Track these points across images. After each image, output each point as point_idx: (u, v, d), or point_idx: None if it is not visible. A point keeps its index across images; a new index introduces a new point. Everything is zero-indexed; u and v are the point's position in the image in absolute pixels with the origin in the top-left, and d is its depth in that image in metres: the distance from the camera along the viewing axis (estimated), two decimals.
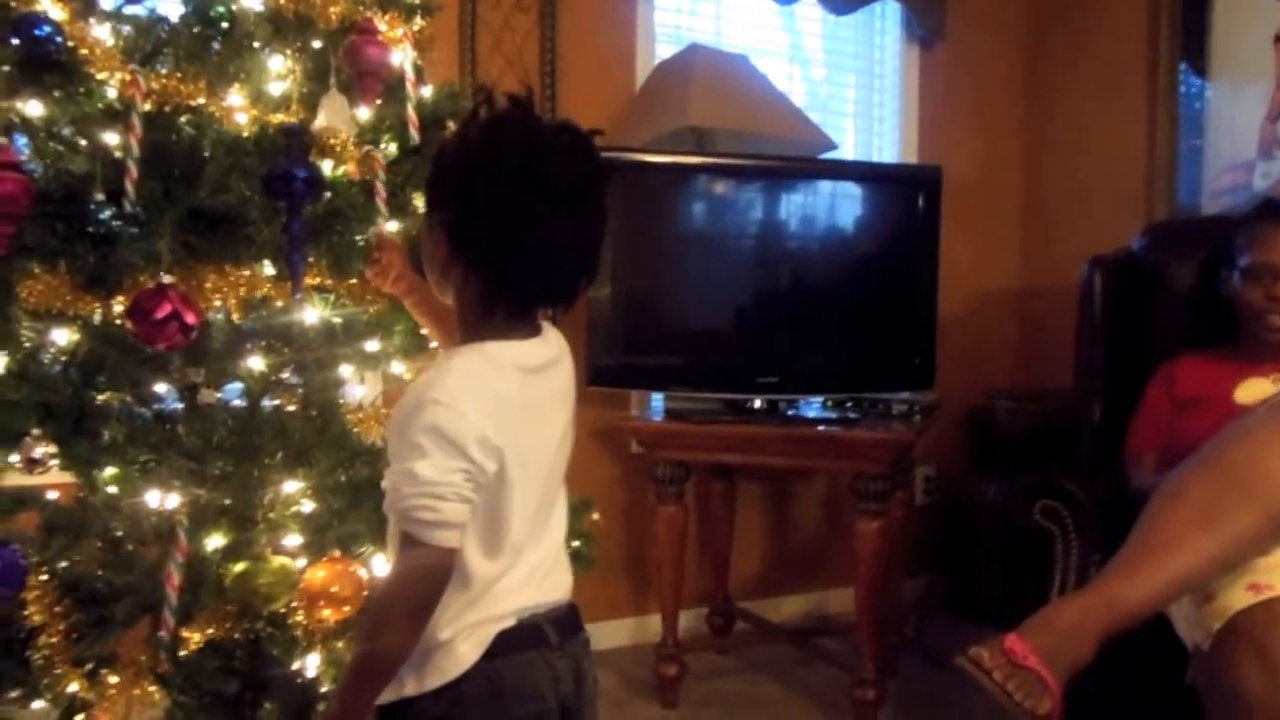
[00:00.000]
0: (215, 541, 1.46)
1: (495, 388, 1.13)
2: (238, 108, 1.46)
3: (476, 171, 1.13)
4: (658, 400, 2.94)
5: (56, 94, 1.37)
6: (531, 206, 1.11)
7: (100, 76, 1.37)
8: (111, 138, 1.39)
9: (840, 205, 2.85)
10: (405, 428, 1.08)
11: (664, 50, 3.06)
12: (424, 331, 1.57)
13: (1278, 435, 1.64)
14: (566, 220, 1.12)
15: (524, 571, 1.18)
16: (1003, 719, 1.49)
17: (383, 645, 1.09)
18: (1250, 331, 2.08)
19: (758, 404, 2.72)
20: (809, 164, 2.92)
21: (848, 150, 3.44)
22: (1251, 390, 1.99)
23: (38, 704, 1.41)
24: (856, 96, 3.55)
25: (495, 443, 1.10)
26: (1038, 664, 1.47)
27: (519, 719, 1.15)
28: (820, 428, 2.62)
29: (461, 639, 1.13)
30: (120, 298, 1.39)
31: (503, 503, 1.14)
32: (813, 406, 2.82)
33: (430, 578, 1.09)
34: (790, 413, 2.75)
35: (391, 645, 1.09)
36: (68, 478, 1.48)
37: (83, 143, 1.42)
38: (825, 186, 2.81)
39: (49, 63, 1.34)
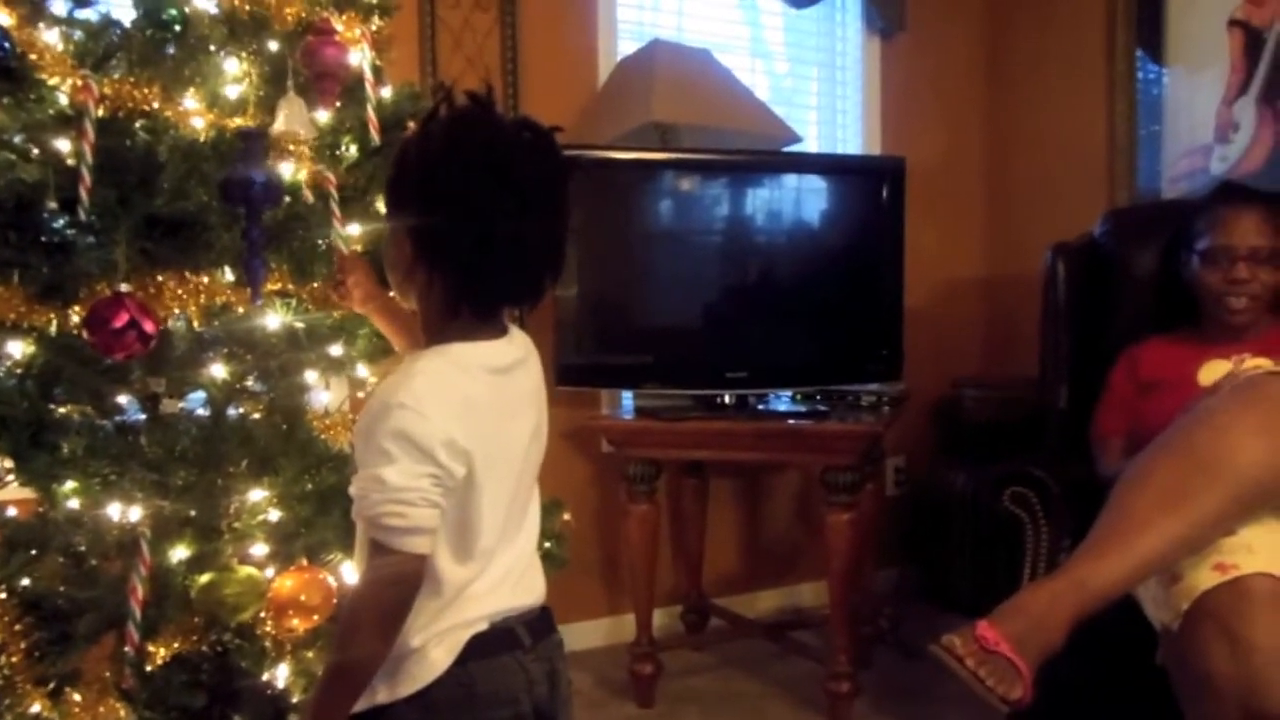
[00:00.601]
0: (180, 553, 1.44)
1: (462, 390, 1.12)
2: (193, 112, 1.44)
3: (438, 170, 1.11)
4: (627, 398, 2.93)
5: (6, 101, 1.34)
6: (495, 203, 1.09)
7: (51, 82, 1.35)
8: (64, 144, 1.37)
9: (805, 198, 2.85)
10: (371, 433, 1.07)
11: (626, 47, 3.05)
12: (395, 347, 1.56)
13: (1240, 417, 1.65)
14: (530, 217, 1.11)
15: (496, 575, 1.17)
16: (977, 706, 1.50)
17: (354, 654, 1.08)
18: (1210, 314, 2.10)
19: (727, 399, 2.72)
20: (773, 157, 2.92)
21: (811, 143, 3.45)
22: (1214, 372, 2.00)
23: None
24: (819, 89, 3.56)
25: (463, 446, 1.09)
26: (1009, 650, 1.48)
27: None
28: (790, 421, 2.62)
29: (433, 645, 1.12)
30: (77, 308, 1.37)
31: (472, 507, 1.13)
32: (782, 400, 2.82)
33: (400, 584, 1.08)
34: (760, 407, 2.75)
35: (363, 654, 1.08)
36: (27, 493, 1.45)
37: (35, 150, 1.39)
38: (790, 179, 2.81)
39: None
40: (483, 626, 1.15)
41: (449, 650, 1.12)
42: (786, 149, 2.98)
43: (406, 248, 1.15)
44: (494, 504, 1.14)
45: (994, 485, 2.16)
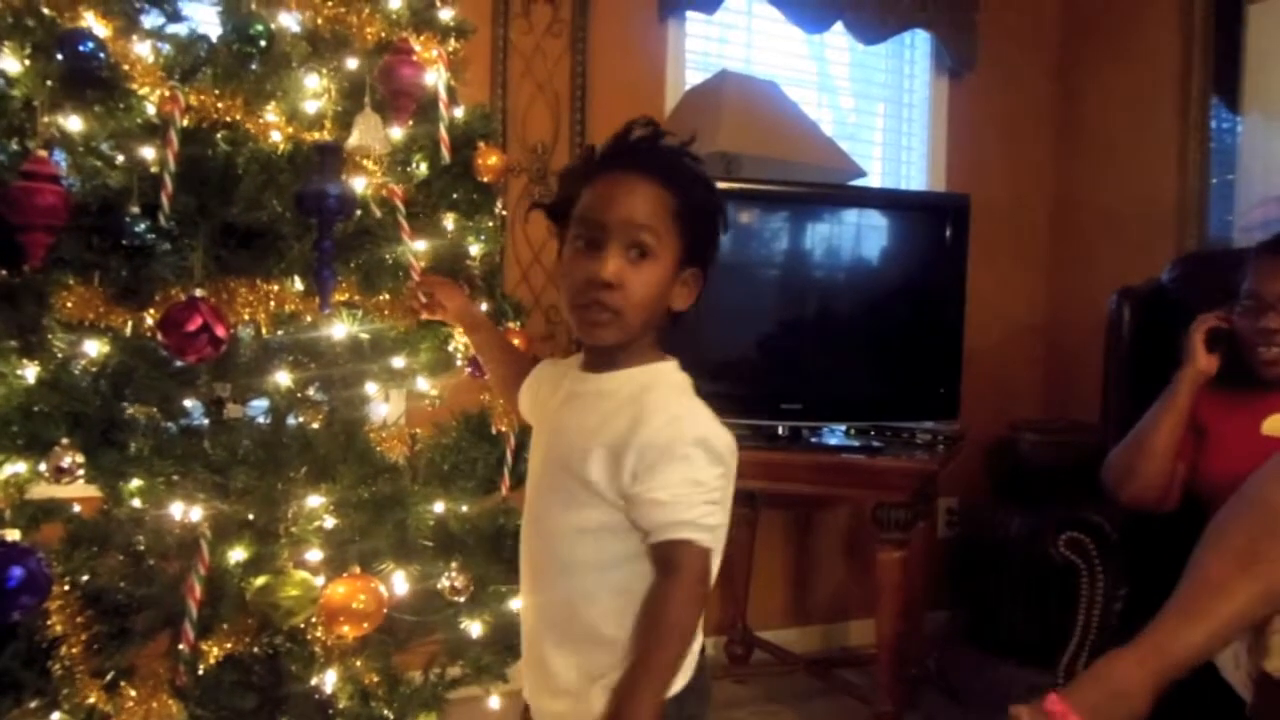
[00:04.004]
0: (237, 555, 1.47)
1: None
2: (273, 125, 1.47)
3: (723, 208, 1.24)
4: None
5: (97, 109, 1.39)
6: None
7: (140, 92, 1.39)
8: (149, 152, 1.41)
9: (868, 233, 2.85)
10: (672, 442, 1.13)
11: (693, 77, 3.07)
12: (458, 343, 1.61)
13: None
14: None
15: None
16: None
17: (680, 650, 1.13)
18: (1248, 364, 2.04)
19: (780, 431, 2.71)
20: (837, 190, 2.91)
21: (876, 179, 3.44)
22: (1278, 424, 1.96)
23: (56, 716, 1.41)
24: (885, 125, 3.56)
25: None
26: None
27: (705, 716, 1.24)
28: (844, 455, 2.60)
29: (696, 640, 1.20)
30: (152, 310, 1.40)
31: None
32: (836, 434, 2.81)
33: (707, 581, 1.15)
34: (814, 440, 2.73)
35: (685, 648, 1.14)
36: (92, 491, 1.48)
37: (120, 157, 1.44)
38: (853, 214, 2.80)
39: (91, 78, 1.35)
40: None
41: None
42: (851, 184, 2.98)
43: (674, 275, 1.22)
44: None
45: (1049, 530, 2.12)
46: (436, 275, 1.57)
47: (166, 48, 1.50)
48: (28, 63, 1.33)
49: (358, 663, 1.51)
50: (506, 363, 1.50)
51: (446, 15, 1.73)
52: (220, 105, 1.42)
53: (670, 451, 1.12)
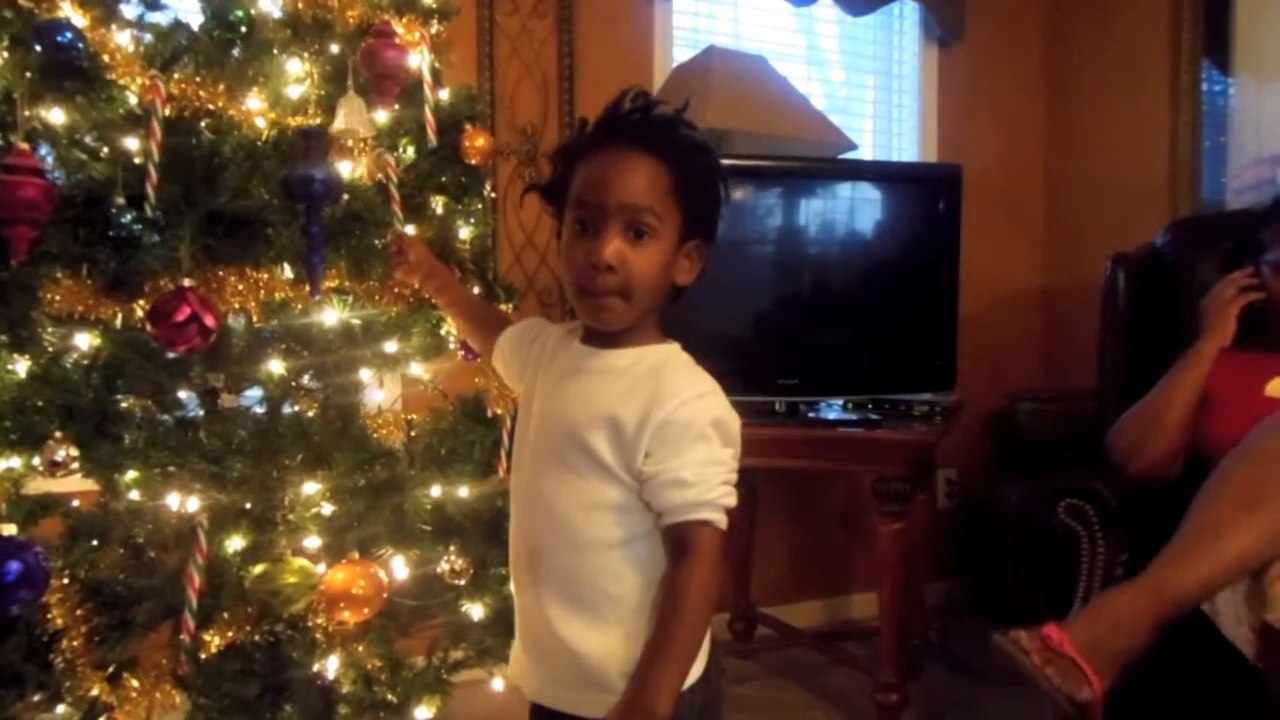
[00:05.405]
0: (235, 544, 1.47)
1: None
2: (257, 111, 1.47)
3: (725, 183, 1.26)
4: None
5: (78, 100, 1.38)
6: None
7: (121, 82, 1.38)
8: (132, 143, 1.40)
9: (860, 206, 2.83)
10: (693, 419, 1.12)
11: (681, 53, 3.06)
12: (451, 327, 1.60)
13: None
14: None
15: None
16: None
17: (701, 632, 1.14)
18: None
19: (778, 406, 2.71)
20: (828, 164, 2.90)
21: (867, 151, 3.42)
22: None
23: (60, 709, 1.41)
24: (875, 97, 3.54)
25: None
26: (1073, 652, 1.45)
27: (723, 697, 1.25)
28: (841, 429, 2.60)
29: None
30: (141, 302, 1.40)
31: None
32: (834, 408, 2.80)
33: (720, 563, 1.15)
34: (811, 415, 2.73)
35: (705, 630, 1.15)
36: (90, 485, 1.48)
37: (104, 149, 1.43)
38: (845, 187, 2.79)
39: (71, 69, 1.35)
40: None
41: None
42: (842, 156, 2.97)
43: (676, 250, 1.21)
44: None
45: (1049, 498, 2.12)
46: (411, 236, 1.55)
47: (147, 36, 1.49)
48: (6, 55, 1.32)
49: (360, 648, 1.51)
50: (474, 316, 1.49)
51: None
52: (203, 93, 1.42)
53: (691, 430, 1.11)
